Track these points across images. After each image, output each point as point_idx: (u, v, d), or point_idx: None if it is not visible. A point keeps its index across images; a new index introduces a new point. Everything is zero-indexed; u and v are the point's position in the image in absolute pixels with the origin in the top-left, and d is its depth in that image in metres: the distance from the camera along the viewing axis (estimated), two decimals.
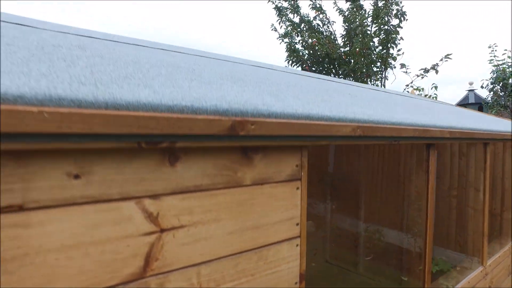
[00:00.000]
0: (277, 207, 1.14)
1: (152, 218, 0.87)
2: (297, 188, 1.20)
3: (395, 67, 7.82)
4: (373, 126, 1.31)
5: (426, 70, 7.41)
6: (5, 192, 0.70)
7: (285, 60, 8.52)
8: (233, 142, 0.94)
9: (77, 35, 1.73)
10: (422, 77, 7.33)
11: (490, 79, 10.50)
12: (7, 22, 1.60)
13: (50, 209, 0.74)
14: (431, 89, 7.45)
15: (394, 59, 7.72)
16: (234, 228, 1.03)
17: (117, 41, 1.87)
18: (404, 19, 7.56)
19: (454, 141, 2.16)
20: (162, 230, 0.89)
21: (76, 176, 0.77)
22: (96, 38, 1.74)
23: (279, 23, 8.69)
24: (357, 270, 3.93)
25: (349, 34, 8.13)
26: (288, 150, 1.16)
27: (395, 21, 7.67)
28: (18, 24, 1.61)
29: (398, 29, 7.46)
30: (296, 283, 1.20)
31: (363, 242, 4.39)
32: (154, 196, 0.88)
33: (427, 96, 7.14)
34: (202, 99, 0.89)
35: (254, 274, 1.08)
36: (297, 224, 1.20)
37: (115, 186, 0.82)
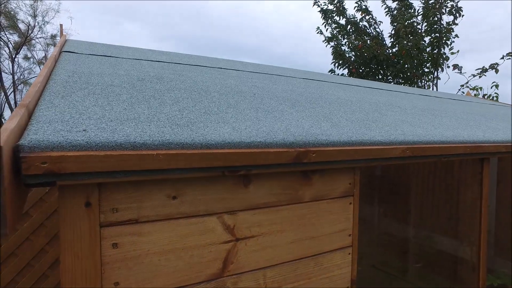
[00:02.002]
0: (332, 220, 1.29)
1: (229, 229, 1.07)
2: (350, 203, 1.35)
3: (448, 67, 7.40)
4: (422, 147, 1.42)
5: (484, 70, 6.95)
6: (127, 210, 0.92)
7: (331, 63, 8.37)
8: (297, 168, 1.11)
9: (148, 60, 1.99)
10: (480, 77, 6.90)
11: None
12: (95, 55, 1.88)
13: (155, 222, 0.96)
14: (491, 88, 7.03)
15: (447, 59, 7.30)
16: (294, 238, 1.20)
17: (181, 63, 2.11)
18: (459, 15, 7.11)
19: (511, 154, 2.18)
20: (237, 239, 1.09)
21: (174, 197, 0.98)
22: (164, 62, 2.00)
23: (325, 26, 8.54)
24: (405, 277, 3.87)
25: (397, 34, 7.83)
26: (342, 171, 1.31)
27: (449, 18, 7.29)
28: (101, 55, 1.90)
29: (452, 26, 7.04)
30: (347, 287, 1.35)
31: (413, 249, 4.33)
32: (232, 212, 1.07)
33: (485, 97, 6.75)
34: (271, 133, 1.07)
35: (310, 278, 1.25)
36: (350, 235, 1.35)
37: (202, 204, 1.02)
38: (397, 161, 1.38)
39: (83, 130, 0.85)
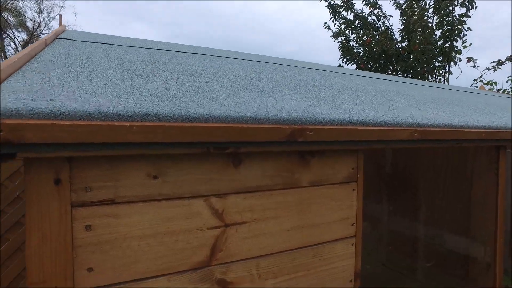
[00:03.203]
0: (334, 208, 1.19)
1: (217, 214, 0.98)
2: (353, 190, 1.25)
3: (460, 61, 7.14)
4: (432, 130, 1.31)
5: (500, 63, 6.69)
6: (102, 189, 0.84)
7: (339, 59, 8.25)
8: (292, 147, 1.01)
9: (146, 48, 1.91)
10: (495, 70, 6.64)
11: None
12: (91, 42, 1.81)
13: (134, 204, 0.88)
14: (507, 82, 6.77)
15: (459, 52, 7.05)
16: (291, 225, 1.11)
17: (181, 51, 2.03)
18: (472, 7, 6.86)
19: None
20: (226, 225, 1.00)
21: (155, 177, 0.90)
22: (163, 50, 1.91)
23: (333, 21, 8.39)
24: (415, 276, 3.76)
25: (407, 29, 7.62)
26: (344, 154, 1.21)
27: (462, 10, 7.04)
28: (97, 42, 1.82)
29: (465, 18, 6.78)
30: (351, 281, 1.25)
31: (423, 247, 4.20)
32: (220, 195, 0.98)
33: (501, 91, 6.50)
34: (263, 110, 0.98)
35: (310, 269, 1.16)
36: (353, 224, 1.25)
37: (186, 185, 0.94)
38: (404, 144, 1.27)
39: (50, 100, 0.77)
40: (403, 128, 1.23)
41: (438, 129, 1.33)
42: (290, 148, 1.02)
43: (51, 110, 0.72)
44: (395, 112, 1.34)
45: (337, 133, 1.06)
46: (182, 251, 0.94)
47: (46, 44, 1.56)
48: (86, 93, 0.86)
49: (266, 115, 0.95)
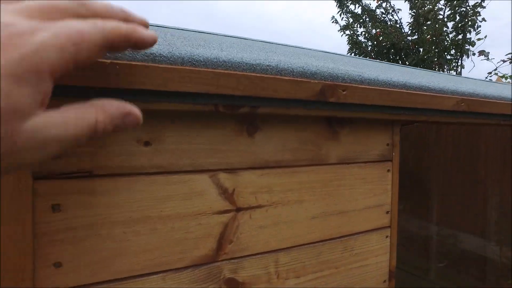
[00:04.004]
0: (366, 191, 0.98)
1: (227, 194, 0.77)
2: (388, 170, 1.03)
3: (474, 54, 6.93)
4: (480, 100, 1.10)
5: None
6: (74, 156, 0.63)
7: (347, 53, 8.10)
8: (321, 111, 0.80)
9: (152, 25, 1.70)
10: (511, 62, 6.42)
11: None
12: None
13: (118, 177, 0.66)
14: None
15: (473, 44, 6.83)
16: (317, 211, 0.89)
17: (187, 30, 1.81)
18: None
19: None
20: (238, 209, 0.78)
21: (147, 143, 0.68)
22: (169, 27, 1.70)
23: (340, 15, 8.29)
24: (428, 277, 3.61)
25: (417, 21, 7.44)
26: (377, 126, 1.00)
27: (475, 0, 6.81)
28: None
29: (479, 9, 6.57)
30: (385, 281, 1.03)
31: (436, 247, 4.03)
32: (230, 170, 0.77)
33: None
34: (286, 62, 0.76)
35: (338, 267, 0.94)
36: (387, 212, 1.04)
37: (188, 157, 0.72)
38: (447, 117, 1.06)
39: None
40: (449, 96, 1.01)
41: (487, 100, 1.12)
42: (318, 113, 0.80)
43: None
44: (437, 80, 1.12)
45: (375, 94, 0.85)
46: (181, 242, 0.73)
47: None
48: None
49: (289, 66, 0.74)
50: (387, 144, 1.02)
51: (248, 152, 0.78)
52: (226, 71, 0.64)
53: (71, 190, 0.63)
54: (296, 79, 0.72)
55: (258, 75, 0.67)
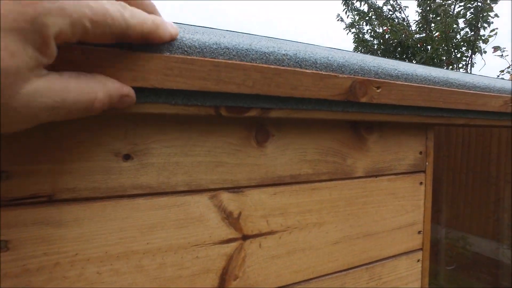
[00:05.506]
0: (396, 209, 0.82)
1: (231, 219, 0.61)
2: (421, 183, 0.87)
3: (485, 52, 6.71)
4: None
5: None
6: (30, 175, 0.47)
7: (353, 51, 7.95)
8: (349, 114, 0.64)
9: None
10: None
11: None
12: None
13: (90, 203, 0.51)
14: None
15: (486, 41, 6.61)
16: (340, 235, 0.73)
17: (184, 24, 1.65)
18: None
19: None
20: (245, 237, 0.62)
21: (127, 157, 0.53)
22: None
23: (346, 13, 8.14)
24: (437, 280, 3.48)
25: (426, 18, 7.25)
26: (410, 131, 0.84)
27: None
28: None
29: (492, 5, 6.34)
30: None
31: (445, 250, 3.90)
32: (235, 189, 0.61)
33: None
34: (307, 51, 0.60)
35: None
36: (419, 232, 0.88)
37: (181, 173, 0.56)
38: (493, 120, 0.90)
39: None
40: (496, 94, 0.85)
41: None
42: (344, 116, 0.64)
43: None
44: (478, 79, 0.96)
45: (413, 92, 0.69)
46: (173, 281, 0.57)
47: None
48: None
49: (311, 56, 0.58)
50: (420, 152, 0.86)
51: (257, 166, 0.62)
52: (229, 61, 0.49)
53: (24, 221, 0.47)
54: (320, 72, 0.56)
55: (272, 66, 0.51)
